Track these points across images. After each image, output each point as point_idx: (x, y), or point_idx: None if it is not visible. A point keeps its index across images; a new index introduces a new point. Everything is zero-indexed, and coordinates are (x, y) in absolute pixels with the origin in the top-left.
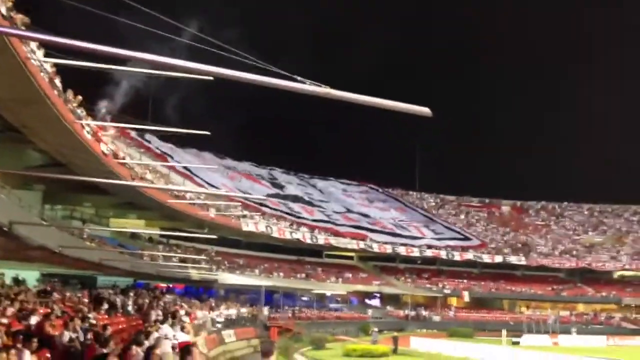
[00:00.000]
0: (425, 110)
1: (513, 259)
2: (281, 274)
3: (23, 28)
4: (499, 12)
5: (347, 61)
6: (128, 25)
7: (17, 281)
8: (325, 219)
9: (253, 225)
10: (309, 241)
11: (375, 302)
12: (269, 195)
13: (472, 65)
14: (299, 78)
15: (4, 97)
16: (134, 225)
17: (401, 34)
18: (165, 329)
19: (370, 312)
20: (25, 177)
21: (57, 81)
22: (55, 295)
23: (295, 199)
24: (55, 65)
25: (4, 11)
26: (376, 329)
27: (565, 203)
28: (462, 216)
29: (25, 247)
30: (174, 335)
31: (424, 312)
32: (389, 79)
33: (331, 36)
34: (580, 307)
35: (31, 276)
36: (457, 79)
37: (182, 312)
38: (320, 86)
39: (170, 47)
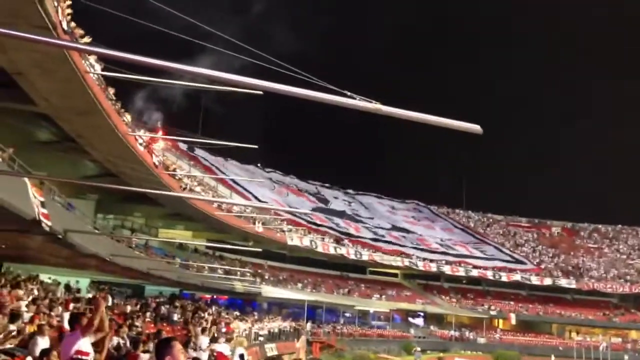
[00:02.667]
0: (476, 128)
1: (563, 282)
2: (324, 289)
3: (82, 41)
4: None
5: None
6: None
7: (68, 288)
8: (370, 235)
9: (298, 239)
10: (353, 257)
11: (419, 321)
12: (314, 210)
13: (530, 84)
14: (348, 93)
15: (62, 108)
16: (181, 236)
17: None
18: (202, 339)
19: (413, 331)
20: (80, 186)
21: (112, 93)
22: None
23: (341, 214)
24: (110, 77)
25: (65, 26)
26: (419, 349)
27: (619, 226)
28: (510, 236)
29: (78, 255)
30: (210, 347)
31: (469, 333)
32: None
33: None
34: (633, 335)
35: (82, 283)
36: (507, 96)
37: (222, 323)
38: (371, 102)
39: (221, 60)
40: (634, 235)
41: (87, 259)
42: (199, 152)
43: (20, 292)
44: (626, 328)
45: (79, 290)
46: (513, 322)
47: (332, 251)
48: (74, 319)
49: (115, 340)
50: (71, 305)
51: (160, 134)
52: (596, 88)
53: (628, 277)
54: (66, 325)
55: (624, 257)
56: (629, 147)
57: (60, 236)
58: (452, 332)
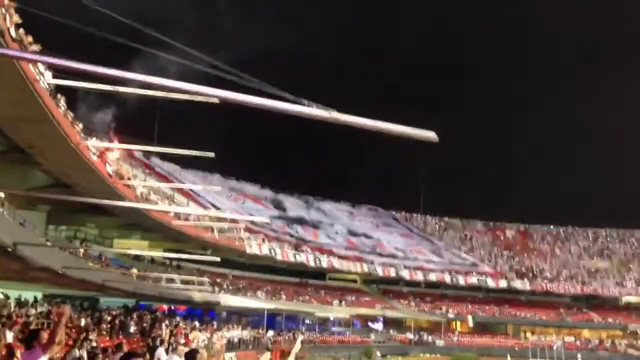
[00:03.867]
0: (431, 135)
1: (518, 284)
2: (284, 296)
3: (32, 49)
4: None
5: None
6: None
7: (19, 302)
8: (329, 241)
9: (257, 247)
10: (312, 264)
11: (379, 325)
12: (272, 217)
13: (476, 86)
14: (305, 102)
15: (11, 116)
16: (137, 246)
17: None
18: (160, 352)
19: (373, 336)
20: (30, 197)
21: (63, 102)
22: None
23: (299, 221)
24: (60, 86)
25: (13, 33)
26: (379, 354)
27: (570, 228)
28: (467, 240)
29: (29, 268)
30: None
31: (428, 337)
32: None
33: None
34: (586, 333)
35: (33, 297)
36: (460, 100)
37: (181, 334)
38: (327, 110)
39: (176, 70)
40: (584, 236)
41: (38, 272)
42: (155, 161)
43: None
44: (578, 327)
45: (32, 305)
46: (470, 324)
47: (291, 258)
48: (32, 336)
49: (77, 352)
50: (19, 321)
51: (114, 142)
52: (542, 87)
53: (579, 278)
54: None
55: (575, 258)
56: (580, 148)
57: (9, 249)
58: (411, 336)
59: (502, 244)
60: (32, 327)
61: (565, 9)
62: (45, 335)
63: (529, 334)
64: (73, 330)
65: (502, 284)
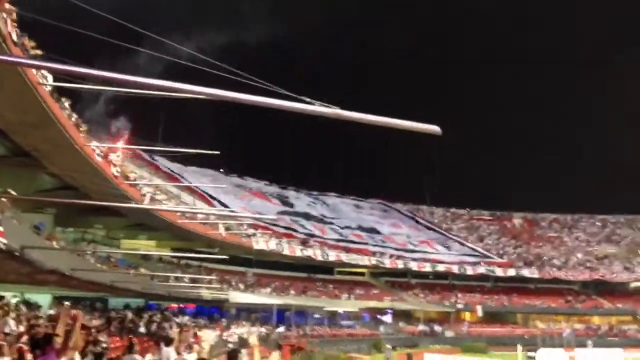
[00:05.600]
0: (435, 129)
1: (526, 272)
2: (292, 292)
3: (33, 53)
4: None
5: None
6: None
7: (28, 304)
8: (336, 235)
9: (264, 243)
10: (320, 258)
11: (388, 318)
12: (279, 213)
13: (481, 76)
14: (307, 99)
15: (15, 121)
16: (145, 246)
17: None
18: (169, 351)
19: (382, 328)
20: (37, 201)
21: (67, 104)
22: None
23: (306, 216)
24: (62, 88)
25: (14, 37)
26: (389, 346)
27: (578, 215)
28: (474, 230)
29: (37, 271)
30: (176, 358)
31: (437, 328)
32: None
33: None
34: (596, 320)
35: (43, 299)
36: (467, 89)
37: (190, 332)
38: (329, 107)
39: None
40: (591, 223)
41: (46, 275)
42: (159, 160)
43: None
44: (588, 314)
45: (36, 305)
46: (480, 314)
47: (298, 253)
48: (46, 341)
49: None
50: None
51: (118, 143)
52: (552, 80)
53: (588, 265)
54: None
55: (583, 244)
56: (586, 135)
57: (17, 253)
58: (421, 327)
59: (510, 233)
60: (42, 330)
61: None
62: (58, 340)
63: (538, 322)
64: (84, 331)
65: (511, 272)
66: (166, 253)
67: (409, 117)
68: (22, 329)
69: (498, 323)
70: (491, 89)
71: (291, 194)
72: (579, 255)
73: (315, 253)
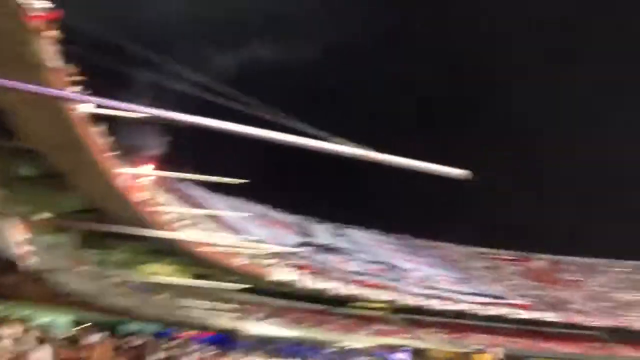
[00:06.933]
0: (463, 173)
1: (547, 316)
2: (308, 324)
3: (71, 80)
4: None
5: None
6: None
7: (47, 328)
8: (356, 269)
9: (283, 274)
10: (338, 292)
11: (405, 355)
12: (300, 244)
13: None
14: (338, 140)
15: (45, 143)
16: (165, 271)
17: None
18: None
19: None
20: (64, 222)
21: (97, 130)
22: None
23: (327, 248)
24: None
25: (53, 64)
26: None
27: (601, 259)
28: (496, 270)
29: (60, 293)
30: None
31: None
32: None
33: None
34: None
35: (63, 322)
36: (494, 131)
37: None
38: (359, 148)
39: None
40: (615, 269)
41: (68, 297)
42: (185, 186)
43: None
44: None
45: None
46: (501, 356)
47: (317, 286)
48: None
49: None
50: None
51: (146, 169)
52: (569, 116)
53: (610, 311)
54: None
55: (606, 290)
56: (609, 179)
57: (41, 274)
58: None
59: (532, 275)
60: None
61: None
62: None
63: None
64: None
65: (531, 315)
66: (186, 281)
67: (435, 154)
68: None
69: None
70: (514, 127)
71: (312, 225)
72: (601, 301)
73: (333, 286)
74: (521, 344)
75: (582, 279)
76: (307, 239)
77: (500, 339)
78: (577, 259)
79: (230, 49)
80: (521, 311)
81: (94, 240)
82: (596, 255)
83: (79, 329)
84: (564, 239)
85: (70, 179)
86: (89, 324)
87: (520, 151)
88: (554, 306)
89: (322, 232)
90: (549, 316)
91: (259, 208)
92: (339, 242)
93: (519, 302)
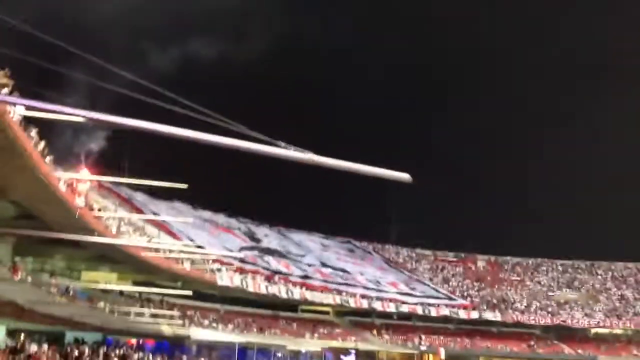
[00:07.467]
0: (404, 177)
1: (489, 315)
2: (255, 329)
3: (3, 82)
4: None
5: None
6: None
7: None
8: (302, 273)
9: (228, 279)
10: (284, 295)
11: (351, 358)
12: (244, 249)
13: (446, 117)
14: (282, 144)
15: None
16: (106, 278)
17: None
18: None
19: None
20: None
21: (33, 133)
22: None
23: (272, 252)
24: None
25: None
26: None
27: (540, 259)
28: (439, 271)
29: None
30: None
31: None
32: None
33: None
34: None
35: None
36: (431, 132)
37: None
38: (304, 152)
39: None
40: (554, 267)
41: (2, 307)
42: (126, 191)
43: None
44: (549, 359)
45: None
46: (442, 356)
47: (263, 290)
48: None
49: None
50: None
51: (85, 173)
52: (513, 127)
53: (549, 309)
54: None
55: (545, 289)
56: (549, 179)
57: None
58: None
59: (473, 275)
60: None
61: None
62: None
63: None
64: None
65: (474, 315)
66: (127, 287)
67: (377, 159)
68: None
69: None
70: (455, 130)
71: (258, 229)
72: (541, 300)
73: (279, 290)
74: (465, 344)
75: (523, 278)
76: (252, 243)
77: (444, 339)
78: (518, 258)
79: (169, 47)
80: (464, 311)
81: (30, 246)
82: (536, 255)
83: (20, 340)
84: (504, 239)
85: (6, 184)
86: (23, 333)
87: (462, 153)
88: (496, 306)
89: (267, 236)
90: (492, 315)
91: (203, 213)
92: (285, 246)
93: (462, 302)
